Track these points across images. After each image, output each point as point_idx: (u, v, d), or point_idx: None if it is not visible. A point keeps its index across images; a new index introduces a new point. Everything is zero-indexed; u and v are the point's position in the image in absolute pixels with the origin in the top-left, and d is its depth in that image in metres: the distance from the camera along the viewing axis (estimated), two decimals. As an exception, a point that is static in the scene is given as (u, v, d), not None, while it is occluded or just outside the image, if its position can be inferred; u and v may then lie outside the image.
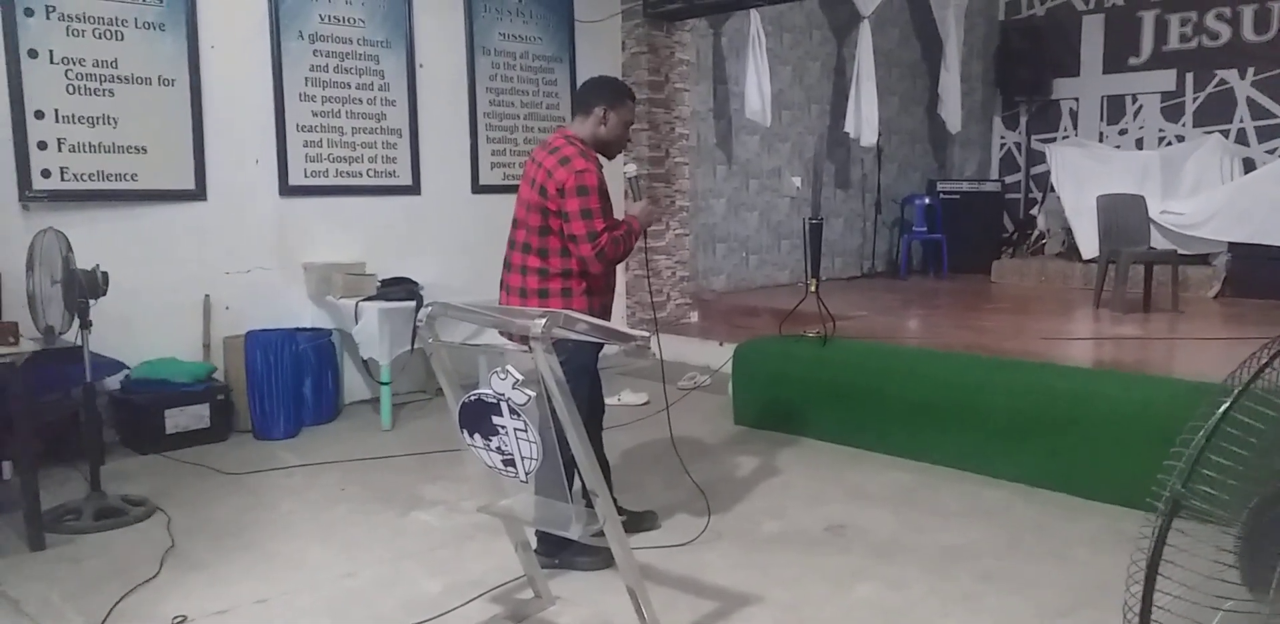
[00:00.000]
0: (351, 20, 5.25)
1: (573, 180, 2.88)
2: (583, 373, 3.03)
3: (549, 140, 3.08)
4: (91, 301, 3.45)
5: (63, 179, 4.34)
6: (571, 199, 2.88)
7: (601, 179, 2.97)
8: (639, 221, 3.09)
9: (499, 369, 2.26)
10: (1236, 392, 1.46)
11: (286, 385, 4.66)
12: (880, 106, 7.62)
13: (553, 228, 2.96)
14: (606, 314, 3.08)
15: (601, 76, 3.25)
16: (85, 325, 3.45)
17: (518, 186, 6.42)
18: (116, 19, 4.46)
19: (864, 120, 7.46)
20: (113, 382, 4.45)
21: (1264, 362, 1.49)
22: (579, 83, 6.26)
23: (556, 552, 3.02)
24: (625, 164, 3.25)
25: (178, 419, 4.41)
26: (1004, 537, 3.33)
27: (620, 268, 6.72)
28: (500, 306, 3.02)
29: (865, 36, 7.51)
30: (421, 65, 5.55)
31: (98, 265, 3.46)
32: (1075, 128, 8.98)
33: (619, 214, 3.08)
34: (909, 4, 8.65)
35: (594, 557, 2.98)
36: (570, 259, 2.97)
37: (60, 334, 3.51)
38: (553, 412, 2.29)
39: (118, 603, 2.80)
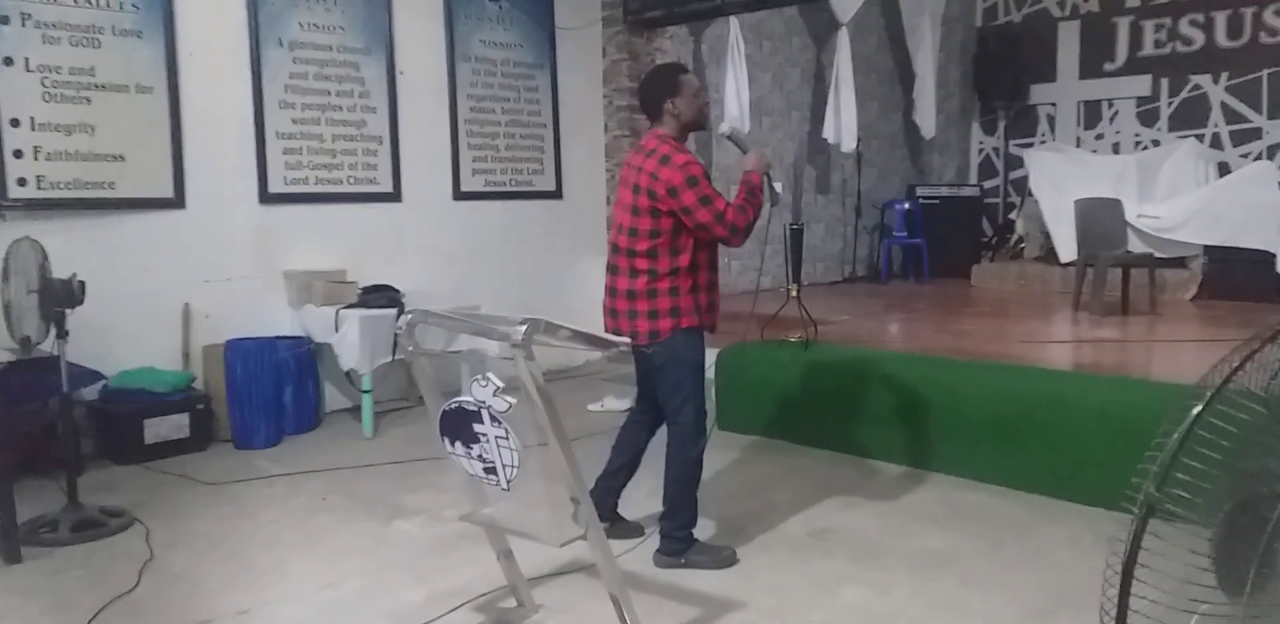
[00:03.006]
0: (331, 27, 5.23)
1: (679, 176, 2.94)
2: (698, 370, 3.12)
3: (643, 143, 3.12)
4: (68, 311, 3.41)
5: (39, 187, 4.31)
6: (686, 193, 2.94)
7: (702, 165, 3.06)
8: (756, 174, 3.14)
9: (479, 376, 2.26)
10: (1209, 395, 1.48)
11: (267, 394, 4.64)
12: (859, 112, 7.66)
13: (663, 228, 3.00)
14: (715, 310, 3.19)
15: (645, 78, 3.27)
16: (62, 335, 3.42)
17: (501, 193, 6.45)
18: (93, 26, 4.43)
19: (843, 126, 7.51)
20: (91, 391, 4.40)
21: (1235, 365, 1.51)
22: (560, 89, 6.31)
23: (679, 552, 3.13)
24: (720, 126, 3.34)
25: (157, 429, 4.38)
26: (986, 539, 3.35)
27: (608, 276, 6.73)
28: (481, 314, 3.03)
29: (844, 43, 7.56)
30: (402, 72, 5.54)
31: (74, 274, 3.43)
32: (1053, 133, 9.06)
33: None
34: (886, 11, 8.71)
35: (714, 556, 3.13)
36: (679, 257, 3.03)
37: (37, 344, 3.48)
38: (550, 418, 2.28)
39: (95, 616, 2.77)
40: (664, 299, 3.03)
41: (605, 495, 3.29)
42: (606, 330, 3.13)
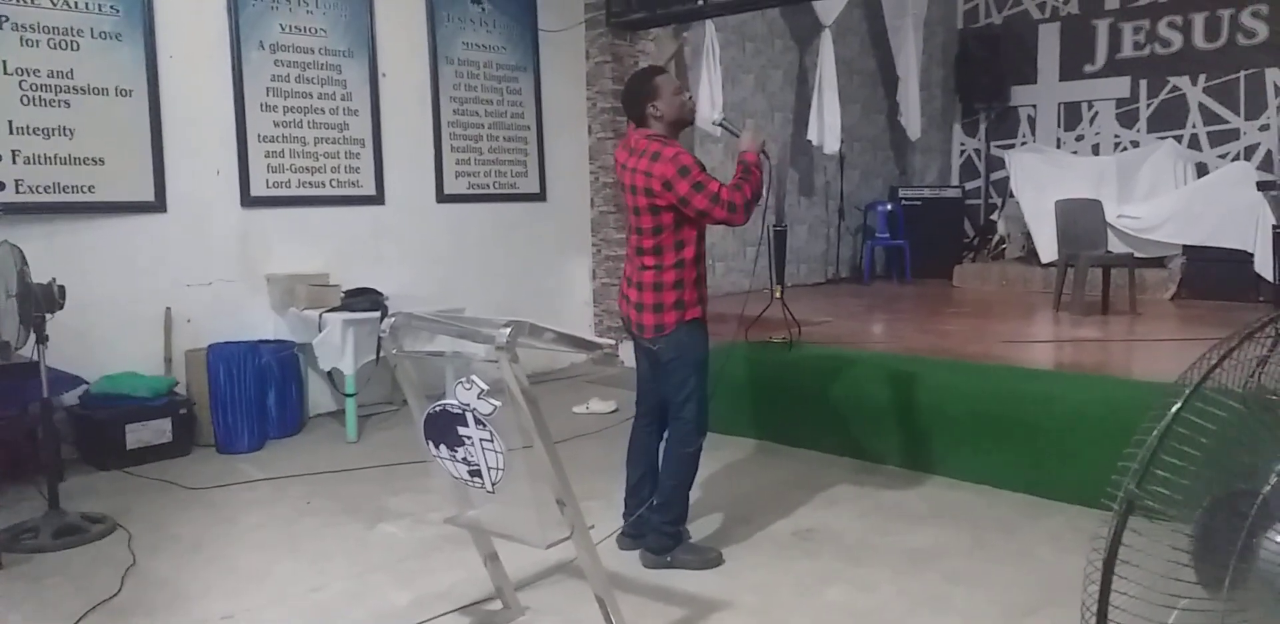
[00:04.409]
0: (313, 30, 5.21)
1: (671, 168, 2.95)
2: (703, 366, 3.15)
3: (630, 143, 3.10)
4: (48, 316, 3.39)
5: (17, 191, 4.27)
6: (680, 183, 2.94)
7: (692, 155, 3.05)
8: (750, 153, 3.12)
9: (464, 379, 2.26)
10: (1187, 393, 1.50)
11: (250, 398, 4.61)
12: (842, 114, 7.70)
13: (664, 224, 3.03)
14: (706, 302, 3.20)
15: (624, 87, 3.25)
16: (42, 340, 3.39)
17: (485, 196, 6.42)
18: (72, 29, 4.39)
19: (826, 128, 7.54)
20: (71, 397, 4.37)
21: (1213, 363, 1.53)
22: (543, 92, 6.31)
23: (666, 549, 3.14)
24: (712, 115, 3.39)
25: (139, 434, 4.34)
26: (969, 538, 3.37)
27: (588, 276, 6.73)
28: (465, 316, 3.03)
29: (827, 45, 7.60)
30: (384, 75, 5.52)
31: (54, 279, 3.41)
32: (1033, 134, 9.13)
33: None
34: (869, 13, 8.75)
35: (701, 556, 3.15)
36: (683, 250, 3.06)
37: (16, 349, 3.45)
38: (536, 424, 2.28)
39: (78, 622, 2.74)
40: (669, 293, 3.06)
41: (639, 509, 3.24)
42: (623, 317, 3.21)
